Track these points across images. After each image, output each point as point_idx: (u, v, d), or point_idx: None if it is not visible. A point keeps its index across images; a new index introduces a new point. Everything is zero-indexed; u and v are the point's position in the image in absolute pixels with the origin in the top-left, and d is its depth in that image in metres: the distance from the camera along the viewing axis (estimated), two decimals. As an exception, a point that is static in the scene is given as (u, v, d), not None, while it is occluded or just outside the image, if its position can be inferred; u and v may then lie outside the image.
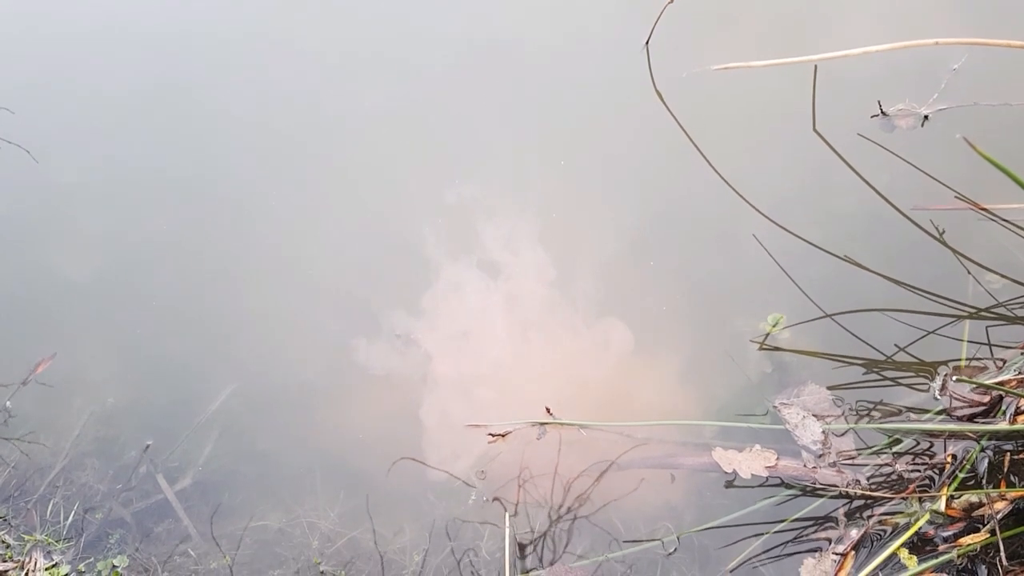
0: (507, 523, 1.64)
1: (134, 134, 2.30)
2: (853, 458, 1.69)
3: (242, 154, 2.27)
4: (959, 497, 1.58)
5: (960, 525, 1.56)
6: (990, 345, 1.83)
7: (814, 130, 2.16)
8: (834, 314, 1.90)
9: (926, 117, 2.16)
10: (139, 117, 2.33)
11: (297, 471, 1.77)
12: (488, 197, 2.13)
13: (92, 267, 2.07)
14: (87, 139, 2.32)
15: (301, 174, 2.21)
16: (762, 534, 1.62)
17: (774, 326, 1.87)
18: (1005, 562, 1.48)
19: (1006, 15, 2.29)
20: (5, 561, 1.64)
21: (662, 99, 2.25)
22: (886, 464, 1.68)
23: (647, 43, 2.32)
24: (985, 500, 1.55)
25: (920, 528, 1.57)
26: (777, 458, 1.69)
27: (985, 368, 1.80)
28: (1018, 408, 1.65)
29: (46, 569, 1.63)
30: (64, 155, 2.28)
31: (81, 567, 1.65)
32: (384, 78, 2.35)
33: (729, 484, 1.68)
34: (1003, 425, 1.64)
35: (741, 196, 2.08)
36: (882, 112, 2.17)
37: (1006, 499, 1.53)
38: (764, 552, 1.60)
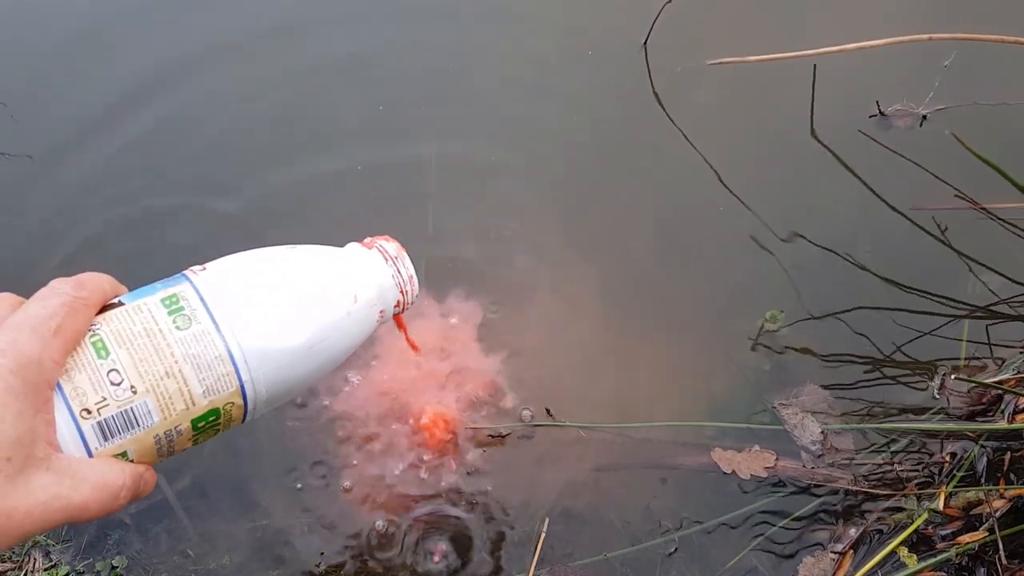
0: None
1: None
2: (852, 458, 1.69)
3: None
4: (957, 495, 1.58)
5: (959, 523, 1.56)
6: (989, 344, 1.83)
7: (811, 130, 2.16)
8: (834, 313, 1.90)
9: (924, 117, 2.17)
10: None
11: (296, 469, 1.76)
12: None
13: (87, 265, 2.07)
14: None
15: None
16: (761, 534, 1.61)
17: (772, 322, 1.87)
18: (1004, 560, 1.47)
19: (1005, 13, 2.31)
20: (4, 561, 1.64)
21: (659, 100, 2.25)
22: (885, 463, 1.68)
23: (645, 43, 2.32)
24: (983, 498, 1.54)
25: (919, 526, 1.56)
26: (776, 458, 1.69)
27: (984, 367, 1.80)
28: (1017, 407, 1.65)
29: (45, 569, 1.63)
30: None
31: (80, 567, 1.65)
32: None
33: (728, 483, 1.67)
34: (1002, 424, 1.64)
35: (737, 197, 2.09)
36: (880, 112, 2.18)
37: (1004, 497, 1.53)
38: (762, 550, 1.60)
